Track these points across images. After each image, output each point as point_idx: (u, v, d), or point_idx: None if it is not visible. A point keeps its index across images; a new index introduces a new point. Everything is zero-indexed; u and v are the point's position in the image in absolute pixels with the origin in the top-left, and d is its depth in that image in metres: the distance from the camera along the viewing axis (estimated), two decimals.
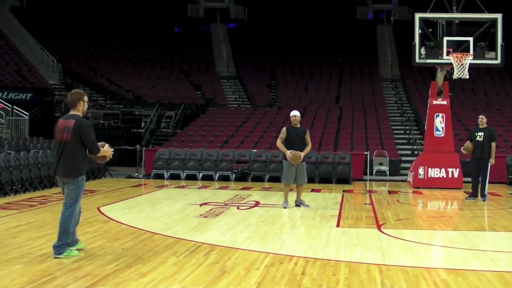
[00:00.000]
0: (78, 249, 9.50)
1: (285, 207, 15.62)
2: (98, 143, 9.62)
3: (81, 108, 9.55)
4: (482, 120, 18.43)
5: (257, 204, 16.65)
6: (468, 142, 18.55)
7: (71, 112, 9.58)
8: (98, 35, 48.33)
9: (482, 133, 18.10)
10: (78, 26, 48.66)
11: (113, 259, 9.00)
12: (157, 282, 7.73)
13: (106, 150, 9.72)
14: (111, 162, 27.53)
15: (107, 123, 34.57)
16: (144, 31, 48.88)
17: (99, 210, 14.73)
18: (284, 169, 15.92)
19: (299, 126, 15.93)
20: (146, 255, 9.37)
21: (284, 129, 15.90)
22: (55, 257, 9.06)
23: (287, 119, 30.81)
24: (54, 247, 9.20)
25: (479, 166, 18.09)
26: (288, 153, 15.48)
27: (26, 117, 28.62)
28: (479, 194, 18.09)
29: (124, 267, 8.52)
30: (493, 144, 17.97)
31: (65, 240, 9.26)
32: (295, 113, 16.01)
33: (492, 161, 17.90)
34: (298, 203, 15.93)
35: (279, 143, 15.80)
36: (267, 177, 24.63)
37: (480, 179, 18.14)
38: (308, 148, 15.86)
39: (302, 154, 15.57)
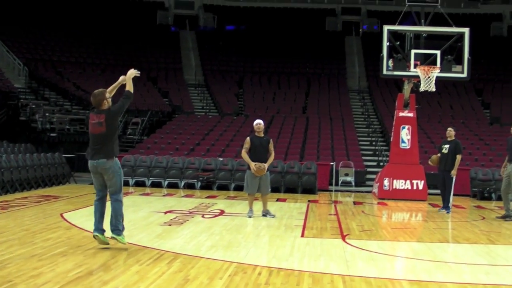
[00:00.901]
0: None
1: (250, 216, 15.57)
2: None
3: (107, 106, 10.59)
4: (450, 132, 18.61)
5: (222, 213, 16.60)
6: (435, 154, 18.78)
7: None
8: (66, 40, 47.99)
9: (448, 146, 18.28)
10: (46, 30, 48.29)
11: (75, 266, 8.90)
12: None
13: (130, 74, 11.07)
14: (76, 168, 27.51)
15: (73, 129, 34.28)
16: (113, 37, 48.65)
17: (62, 217, 14.58)
18: (247, 179, 15.78)
19: (262, 135, 15.87)
20: (109, 262, 9.28)
21: (248, 139, 15.76)
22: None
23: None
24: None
25: (444, 178, 18.27)
26: (253, 165, 15.43)
27: None
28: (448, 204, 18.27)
29: (86, 274, 8.43)
30: (458, 157, 18.09)
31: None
32: (259, 121, 15.90)
33: (453, 172, 18.04)
34: (264, 213, 15.87)
35: (244, 153, 15.65)
36: (232, 185, 24.59)
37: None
38: (271, 158, 15.77)
39: (266, 165, 15.53)
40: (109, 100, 10.57)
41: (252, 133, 16.02)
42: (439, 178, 18.70)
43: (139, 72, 10.83)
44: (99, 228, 10.42)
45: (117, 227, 10.38)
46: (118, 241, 10.33)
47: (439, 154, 18.66)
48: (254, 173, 15.44)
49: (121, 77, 10.86)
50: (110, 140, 10.38)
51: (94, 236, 10.39)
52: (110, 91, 10.73)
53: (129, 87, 10.64)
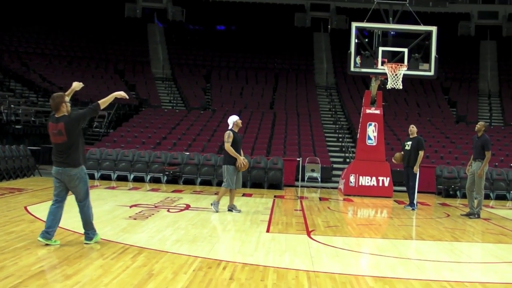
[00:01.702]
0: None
1: (217, 210, 15.55)
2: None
3: (65, 110, 10.28)
4: (412, 129, 18.91)
5: (187, 207, 16.55)
6: (398, 152, 18.96)
7: (57, 116, 10.25)
8: (32, 31, 47.58)
9: (410, 143, 18.55)
10: (12, 21, 47.83)
11: (38, 260, 8.83)
12: (82, 284, 7.59)
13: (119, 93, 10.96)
14: (41, 161, 27.28)
15: (39, 121, 34.00)
16: (80, 29, 48.32)
17: (26, 210, 14.45)
18: (228, 174, 15.61)
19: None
20: (72, 256, 9.21)
21: (230, 133, 15.70)
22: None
23: (222, 123, 30.94)
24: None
25: (408, 175, 18.43)
26: (241, 159, 15.45)
27: None
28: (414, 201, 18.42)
29: (49, 268, 8.37)
30: (420, 153, 18.32)
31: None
32: (238, 117, 16.12)
33: (415, 169, 18.26)
34: (230, 208, 15.86)
35: (229, 147, 15.57)
36: (198, 180, 24.54)
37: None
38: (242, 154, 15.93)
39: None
40: (68, 104, 10.34)
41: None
42: (404, 175, 18.87)
43: (127, 97, 10.65)
44: (46, 232, 10.13)
45: (88, 235, 10.27)
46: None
47: (402, 152, 18.83)
48: (240, 168, 15.51)
49: (112, 94, 10.59)
50: (75, 149, 10.19)
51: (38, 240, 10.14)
52: (68, 94, 10.51)
53: (104, 103, 10.38)
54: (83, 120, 10.32)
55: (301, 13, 50.92)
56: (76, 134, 10.25)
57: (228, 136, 15.68)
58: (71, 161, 10.14)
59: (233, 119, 15.98)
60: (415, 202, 18.39)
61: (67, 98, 10.27)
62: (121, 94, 10.46)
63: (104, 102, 10.27)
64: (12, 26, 47.43)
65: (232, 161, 15.58)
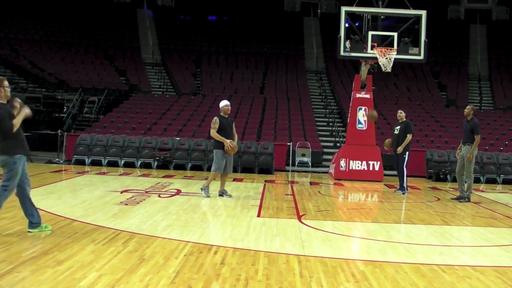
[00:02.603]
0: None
1: (208, 195, 15.61)
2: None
3: (3, 95, 9.52)
4: (400, 114, 19.00)
5: (178, 192, 16.58)
6: (388, 139, 19.02)
7: None
8: (21, 17, 47.43)
9: (399, 127, 18.63)
10: (1, 7, 47.64)
11: (30, 246, 8.85)
12: (74, 269, 7.61)
13: (22, 114, 9.93)
14: (31, 147, 27.25)
15: (29, 107, 33.94)
16: (69, 15, 48.16)
17: (17, 195, 14.41)
18: (217, 158, 15.66)
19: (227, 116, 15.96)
20: (64, 242, 9.22)
21: (216, 119, 15.71)
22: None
23: (212, 108, 30.94)
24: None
25: (397, 159, 18.48)
26: (228, 142, 15.47)
27: None
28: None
29: (41, 254, 8.37)
30: (408, 136, 18.34)
31: None
32: (227, 102, 16.09)
33: (399, 149, 18.31)
34: (221, 193, 15.90)
35: (214, 133, 15.62)
36: (189, 165, 24.55)
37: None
38: (236, 137, 15.94)
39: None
40: (8, 90, 9.78)
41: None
42: (395, 159, 18.90)
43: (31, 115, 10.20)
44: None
45: None
46: None
47: (392, 138, 18.91)
48: (228, 150, 15.54)
49: (27, 111, 10.14)
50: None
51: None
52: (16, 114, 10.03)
53: (16, 122, 9.77)
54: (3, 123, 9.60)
55: None
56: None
57: (213, 122, 15.71)
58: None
59: (221, 105, 16.02)
60: (405, 185, 18.43)
61: (7, 83, 9.73)
62: (27, 112, 9.94)
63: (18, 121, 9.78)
64: (2, 12, 47.24)
65: (220, 145, 15.60)
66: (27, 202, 10.11)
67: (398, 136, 18.50)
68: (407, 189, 18.54)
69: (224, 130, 15.68)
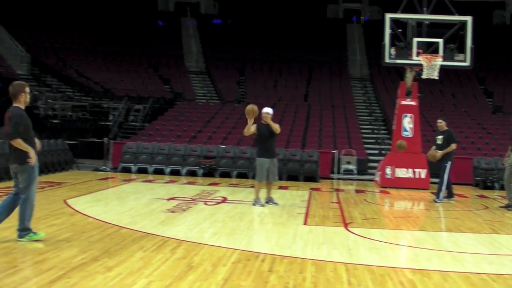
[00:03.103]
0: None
1: (262, 205, 15.50)
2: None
3: (23, 100, 9.74)
4: (440, 124, 18.51)
5: (224, 200, 16.64)
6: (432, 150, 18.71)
7: (14, 104, 9.76)
8: (68, 27, 47.97)
9: (442, 136, 18.21)
10: (49, 17, 48.28)
11: (80, 252, 8.94)
12: (124, 276, 7.69)
13: (32, 155, 9.76)
14: (78, 155, 27.58)
15: (75, 115, 34.35)
16: (114, 25, 48.63)
17: (65, 203, 14.62)
18: (258, 167, 15.69)
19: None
20: (113, 248, 9.32)
21: (254, 125, 15.68)
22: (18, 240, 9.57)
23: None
24: (18, 230, 9.66)
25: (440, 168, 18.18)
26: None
27: None
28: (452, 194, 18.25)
29: (91, 260, 8.47)
30: (452, 145, 17.96)
31: (25, 225, 9.63)
32: (265, 109, 15.84)
33: (437, 155, 17.97)
34: (267, 201, 15.90)
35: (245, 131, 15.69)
36: (234, 173, 24.61)
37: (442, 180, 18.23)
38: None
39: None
40: (28, 96, 9.86)
41: (257, 121, 15.84)
42: (438, 168, 18.58)
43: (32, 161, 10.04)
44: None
45: None
46: None
47: (434, 147, 18.59)
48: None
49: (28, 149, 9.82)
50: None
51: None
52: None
53: (12, 139, 9.63)
54: (12, 122, 9.57)
55: (334, 4, 50.86)
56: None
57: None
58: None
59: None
60: (441, 194, 18.12)
61: (28, 89, 9.86)
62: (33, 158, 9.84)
63: (19, 144, 9.62)
64: (49, 23, 47.89)
65: (262, 153, 15.62)
66: (8, 211, 9.91)
67: (442, 146, 18.11)
68: (440, 198, 18.06)
69: (261, 139, 15.71)
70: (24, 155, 9.56)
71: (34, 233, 9.68)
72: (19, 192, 9.70)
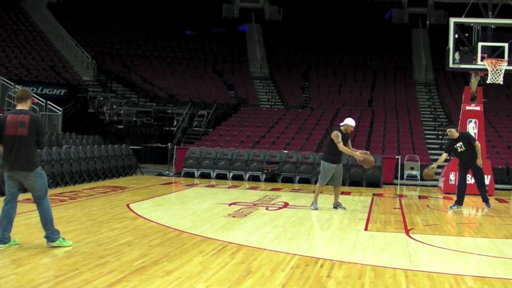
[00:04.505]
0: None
1: (316, 209, 15.68)
2: None
3: (30, 105, 9.77)
4: (451, 132, 17.55)
5: (286, 205, 16.65)
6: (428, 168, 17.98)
7: (22, 107, 9.61)
8: (133, 34, 48.65)
9: (461, 142, 17.30)
10: (113, 23, 49.05)
11: (140, 256, 9.06)
12: (183, 280, 7.77)
13: None
14: (142, 160, 27.91)
15: (140, 121, 34.79)
16: (179, 31, 49.12)
17: (128, 207, 14.81)
18: (323, 171, 15.83)
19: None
20: (173, 252, 9.42)
21: (338, 132, 15.71)
22: (49, 244, 9.51)
23: (319, 121, 31.02)
24: (46, 237, 9.58)
25: (465, 171, 17.65)
26: (358, 154, 15.84)
27: (60, 112, 28.75)
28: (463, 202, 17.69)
29: (150, 264, 8.57)
30: (477, 144, 17.34)
31: (53, 228, 9.57)
32: (353, 123, 15.97)
33: (479, 162, 17.21)
34: (335, 206, 15.96)
35: (342, 146, 15.62)
36: (297, 178, 24.58)
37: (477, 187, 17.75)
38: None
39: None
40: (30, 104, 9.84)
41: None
42: (459, 172, 17.96)
43: None
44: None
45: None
46: None
47: (433, 166, 17.86)
48: (362, 163, 16.04)
49: None
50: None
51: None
52: None
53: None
54: (44, 129, 9.70)
55: (399, 9, 50.54)
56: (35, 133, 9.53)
57: (336, 136, 15.64)
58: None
59: (346, 121, 15.92)
60: (488, 198, 17.66)
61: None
62: None
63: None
64: (114, 29, 48.62)
65: (329, 158, 15.69)
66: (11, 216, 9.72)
67: (466, 152, 17.26)
68: (490, 204, 17.73)
69: (335, 143, 15.70)
70: (35, 160, 9.53)
71: (63, 239, 9.66)
72: (35, 198, 9.65)
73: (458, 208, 17.40)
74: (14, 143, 9.37)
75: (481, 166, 17.47)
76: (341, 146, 15.59)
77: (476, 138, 21.76)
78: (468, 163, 17.50)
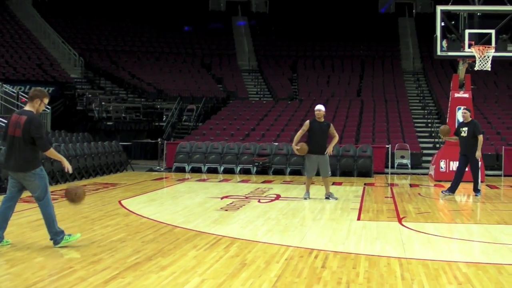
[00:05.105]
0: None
1: (305, 198, 15.94)
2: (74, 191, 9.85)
3: (37, 106, 9.53)
4: (465, 114, 17.75)
5: (278, 197, 16.67)
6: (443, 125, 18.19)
7: (27, 108, 9.57)
8: (120, 29, 48.57)
9: (467, 128, 17.45)
10: (100, 20, 48.93)
11: (134, 252, 9.05)
12: (177, 275, 7.76)
13: (65, 164, 9.77)
14: (132, 156, 27.88)
15: (129, 117, 34.70)
16: (166, 25, 49.04)
17: (120, 204, 14.79)
18: (305, 162, 16.10)
19: (322, 120, 15.97)
20: (167, 248, 9.41)
21: (307, 122, 16.06)
22: (55, 247, 9.36)
23: (309, 112, 30.94)
24: (51, 239, 9.47)
25: (464, 162, 17.61)
26: (293, 146, 16.07)
27: (48, 110, 28.66)
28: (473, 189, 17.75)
29: (145, 260, 8.56)
30: (480, 137, 17.25)
31: (55, 229, 9.45)
32: (319, 107, 16.11)
33: (478, 154, 17.17)
34: (327, 196, 16.04)
35: (297, 134, 16.10)
36: (288, 170, 24.60)
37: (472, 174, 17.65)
38: (335, 140, 16.22)
39: (329, 147, 16.05)
40: (43, 106, 9.67)
41: (307, 117, 16.16)
42: (459, 162, 17.89)
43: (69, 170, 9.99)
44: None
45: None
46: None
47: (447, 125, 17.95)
48: (296, 152, 16.14)
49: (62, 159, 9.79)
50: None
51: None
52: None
53: (51, 154, 9.64)
54: (37, 130, 9.26)
55: None
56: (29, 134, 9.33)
57: (304, 125, 16.15)
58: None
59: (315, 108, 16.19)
60: (479, 187, 17.57)
61: (47, 100, 9.66)
62: (66, 166, 9.74)
63: (52, 154, 9.63)
64: (100, 25, 48.51)
65: (310, 149, 15.93)
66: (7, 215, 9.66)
67: (467, 138, 17.41)
68: (480, 193, 17.62)
69: (313, 134, 15.96)
70: (32, 161, 9.40)
71: (69, 235, 9.57)
72: (35, 199, 9.59)
73: (449, 195, 17.42)
74: (13, 143, 9.37)
75: (478, 159, 17.40)
76: (297, 134, 16.25)
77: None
78: (463, 150, 17.55)
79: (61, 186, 18.37)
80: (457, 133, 17.98)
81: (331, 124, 16.24)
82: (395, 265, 8.49)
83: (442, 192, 17.91)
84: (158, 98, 37.44)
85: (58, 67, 39.08)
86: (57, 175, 19.05)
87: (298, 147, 15.92)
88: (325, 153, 15.88)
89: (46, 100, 9.67)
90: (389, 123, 31.25)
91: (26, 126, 9.24)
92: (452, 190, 17.63)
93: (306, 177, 16.45)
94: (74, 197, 9.83)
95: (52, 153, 9.56)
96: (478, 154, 17.27)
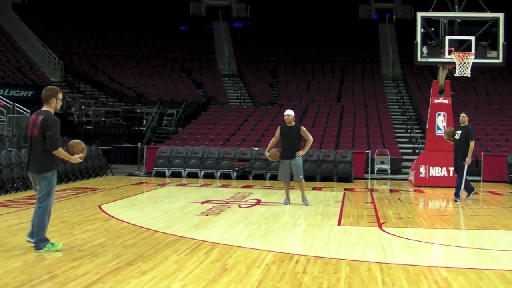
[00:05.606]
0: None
1: (285, 203, 16.03)
2: (75, 143, 9.92)
3: (54, 105, 9.60)
4: (463, 118, 17.81)
5: (258, 202, 16.67)
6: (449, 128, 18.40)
7: (43, 108, 9.61)
8: (100, 33, 48.38)
9: (460, 132, 17.60)
10: (80, 23, 48.75)
11: (114, 257, 9.01)
12: (158, 280, 7.74)
13: (74, 158, 9.83)
14: (112, 160, 27.77)
15: (109, 121, 34.57)
16: (146, 29, 48.97)
17: (100, 208, 14.73)
18: (279, 167, 16.28)
19: (293, 124, 15.99)
20: (147, 253, 9.38)
21: (278, 128, 16.29)
22: (36, 252, 9.30)
23: None
24: (34, 243, 9.42)
25: (457, 166, 17.76)
26: (266, 152, 16.30)
27: (28, 114, 28.50)
28: (473, 190, 17.94)
29: (125, 265, 8.53)
30: (471, 143, 17.28)
31: (42, 236, 9.42)
32: (288, 112, 16.19)
33: (468, 160, 17.22)
34: (302, 200, 16.13)
35: (271, 141, 16.31)
36: (268, 175, 24.57)
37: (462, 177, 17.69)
38: (308, 143, 16.11)
39: (302, 152, 16.01)
40: (59, 102, 9.73)
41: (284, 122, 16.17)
42: (454, 165, 18.11)
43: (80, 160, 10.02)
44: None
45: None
46: None
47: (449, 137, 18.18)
48: (269, 158, 16.39)
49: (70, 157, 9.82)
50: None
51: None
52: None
53: (59, 153, 9.56)
54: (50, 128, 9.31)
55: (366, 4, 50.75)
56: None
57: (276, 131, 16.34)
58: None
59: None
60: (460, 193, 17.62)
61: (61, 96, 9.75)
62: (77, 159, 9.77)
63: (60, 154, 9.60)
64: (80, 29, 48.34)
65: (281, 154, 16.11)
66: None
67: (459, 142, 17.57)
68: (460, 198, 17.58)
69: (283, 139, 16.12)
70: (46, 163, 9.47)
71: (52, 244, 9.50)
72: (36, 200, 9.63)
73: (472, 195, 17.96)
74: (31, 144, 9.50)
75: (467, 165, 17.41)
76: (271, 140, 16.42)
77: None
78: (455, 153, 17.71)
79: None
80: (454, 135, 18.08)
81: (302, 127, 16.17)
82: (376, 270, 8.51)
83: (466, 197, 17.97)
84: (138, 102, 37.34)
85: (38, 71, 38.90)
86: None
87: (270, 154, 15.99)
88: (295, 156, 15.88)
89: (60, 95, 9.74)
90: (369, 129, 31.33)
91: (43, 125, 9.32)
92: (469, 190, 17.95)
93: (283, 182, 16.50)
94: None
95: (60, 152, 9.54)
96: (468, 160, 17.31)
